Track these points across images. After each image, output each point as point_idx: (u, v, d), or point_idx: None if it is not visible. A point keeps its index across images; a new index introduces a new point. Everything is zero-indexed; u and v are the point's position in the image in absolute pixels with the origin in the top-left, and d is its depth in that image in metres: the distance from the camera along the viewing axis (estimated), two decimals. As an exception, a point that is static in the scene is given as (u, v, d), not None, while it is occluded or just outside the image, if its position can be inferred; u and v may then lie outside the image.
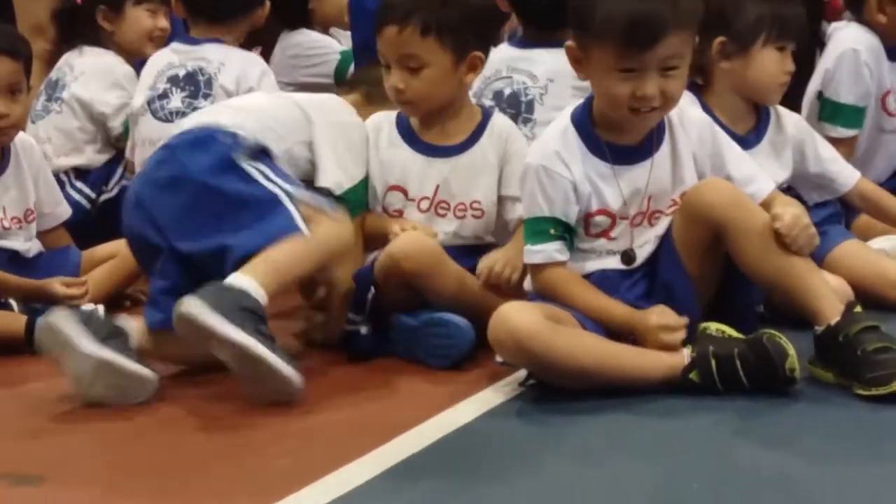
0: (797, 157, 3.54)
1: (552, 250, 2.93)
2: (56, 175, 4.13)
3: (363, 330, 3.20)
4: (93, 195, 4.27)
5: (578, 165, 2.92)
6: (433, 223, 3.31)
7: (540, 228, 2.93)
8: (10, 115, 3.48)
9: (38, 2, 4.99)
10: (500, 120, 3.39)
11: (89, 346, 2.80)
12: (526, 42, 3.69)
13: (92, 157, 4.33)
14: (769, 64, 3.47)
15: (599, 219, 2.96)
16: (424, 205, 3.32)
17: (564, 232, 2.93)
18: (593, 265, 2.97)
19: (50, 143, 4.30)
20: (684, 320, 2.84)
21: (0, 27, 3.60)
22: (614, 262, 2.97)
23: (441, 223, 3.31)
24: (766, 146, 3.51)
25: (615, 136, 2.95)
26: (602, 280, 2.96)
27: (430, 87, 3.27)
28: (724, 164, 3.01)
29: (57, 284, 3.41)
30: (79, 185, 4.26)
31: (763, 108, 3.56)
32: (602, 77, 2.86)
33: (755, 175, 3.03)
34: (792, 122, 3.58)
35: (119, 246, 3.51)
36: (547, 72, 3.58)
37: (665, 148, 2.98)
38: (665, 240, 2.97)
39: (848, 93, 3.93)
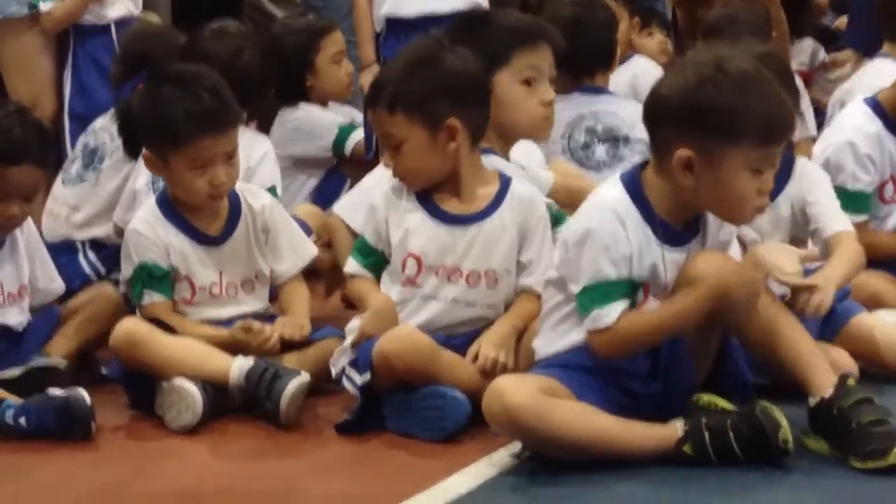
0: None
1: (623, 308, 2.85)
2: (72, 242, 4.11)
3: (346, 416, 3.15)
4: (103, 270, 4.19)
5: (635, 236, 2.87)
6: (441, 289, 3.23)
7: (608, 291, 2.85)
8: (24, 216, 3.51)
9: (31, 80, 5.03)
10: (520, 187, 3.30)
11: None
12: (598, 89, 4.26)
13: (111, 232, 4.22)
14: None
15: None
16: (441, 272, 3.23)
17: (632, 292, 2.88)
18: None
19: (78, 211, 4.22)
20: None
21: (34, 130, 3.49)
22: None
23: (448, 289, 3.22)
24: None
25: (668, 216, 2.91)
26: None
27: (414, 161, 3.23)
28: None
29: None
30: (91, 256, 4.19)
31: None
32: (731, 178, 2.82)
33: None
34: None
35: (95, 292, 3.56)
36: (631, 117, 4.03)
37: (699, 238, 2.95)
38: None
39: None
